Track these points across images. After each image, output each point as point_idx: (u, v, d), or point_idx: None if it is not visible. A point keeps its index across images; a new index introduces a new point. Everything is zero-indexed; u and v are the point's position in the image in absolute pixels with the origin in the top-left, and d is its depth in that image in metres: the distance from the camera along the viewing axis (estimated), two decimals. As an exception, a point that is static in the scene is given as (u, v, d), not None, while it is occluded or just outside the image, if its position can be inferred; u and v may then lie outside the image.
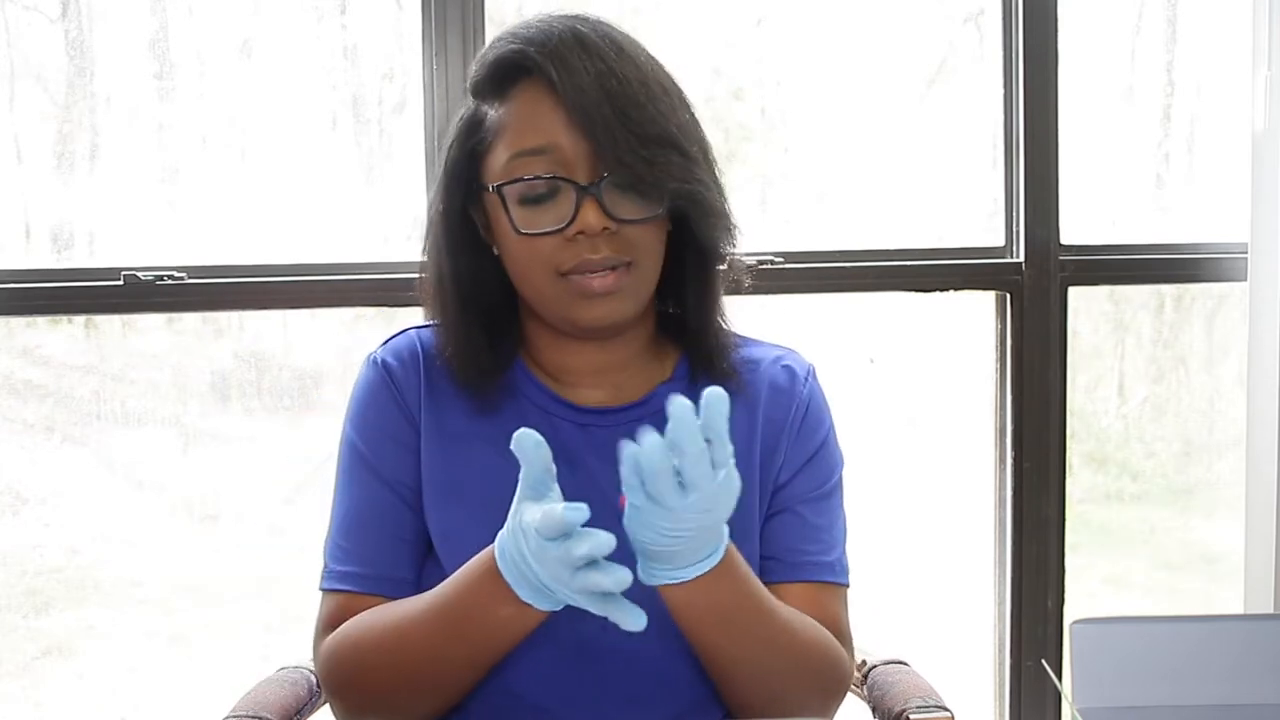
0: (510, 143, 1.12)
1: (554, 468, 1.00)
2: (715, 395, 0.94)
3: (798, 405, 1.23)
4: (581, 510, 0.93)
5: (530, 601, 1.01)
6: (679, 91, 1.17)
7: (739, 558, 1.09)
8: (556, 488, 1.00)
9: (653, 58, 1.16)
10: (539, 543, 0.96)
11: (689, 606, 1.06)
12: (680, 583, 1.02)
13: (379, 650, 1.12)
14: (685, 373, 1.23)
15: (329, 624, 1.18)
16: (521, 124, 1.12)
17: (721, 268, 1.22)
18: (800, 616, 1.17)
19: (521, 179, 1.11)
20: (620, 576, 0.95)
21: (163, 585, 2.07)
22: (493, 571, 1.02)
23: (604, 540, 0.94)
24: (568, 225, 1.10)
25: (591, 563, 0.96)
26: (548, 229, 1.10)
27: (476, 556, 1.06)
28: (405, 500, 1.18)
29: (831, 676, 1.18)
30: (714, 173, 1.17)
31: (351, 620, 1.15)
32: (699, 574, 1.02)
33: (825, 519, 1.23)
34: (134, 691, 2.06)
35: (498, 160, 1.13)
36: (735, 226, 1.19)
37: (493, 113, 1.15)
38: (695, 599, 1.05)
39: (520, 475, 0.99)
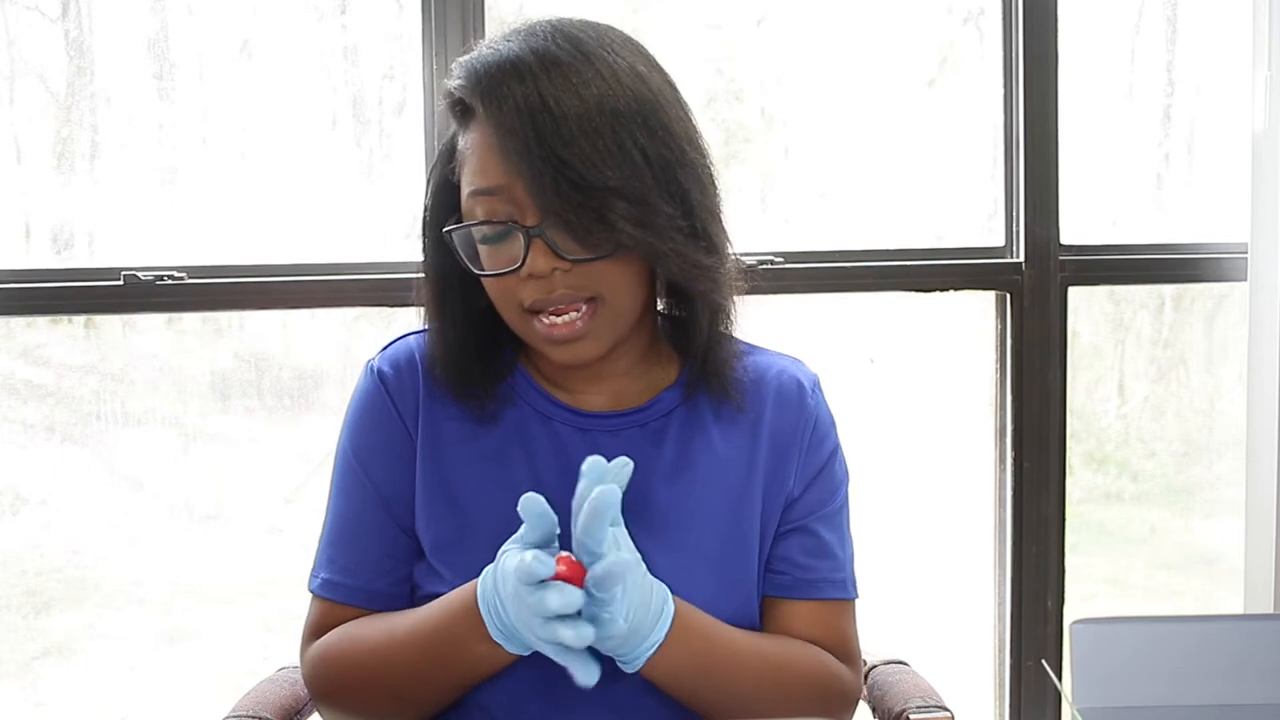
0: (468, 180, 1.11)
1: (557, 530, 1.04)
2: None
3: (807, 419, 1.23)
4: (548, 563, 0.98)
5: (500, 643, 1.04)
6: (640, 104, 1.08)
7: (693, 615, 1.10)
8: (554, 546, 1.04)
9: (609, 64, 1.08)
10: (516, 587, 1.00)
11: (652, 674, 1.09)
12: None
13: (360, 668, 1.15)
14: (686, 380, 1.22)
15: (314, 630, 1.20)
16: (475, 163, 1.10)
17: (723, 271, 1.17)
18: (788, 645, 1.18)
19: (470, 224, 1.10)
20: (583, 633, 0.99)
21: (163, 585, 2.06)
22: (472, 608, 1.05)
23: (573, 597, 0.98)
24: (519, 266, 1.08)
25: (561, 616, 0.99)
26: (503, 270, 1.09)
27: (459, 590, 1.09)
28: (393, 515, 1.19)
29: (833, 698, 1.19)
30: (677, 204, 1.09)
31: (337, 632, 1.17)
32: (653, 652, 1.06)
33: (836, 534, 1.24)
34: (134, 691, 2.06)
35: (463, 192, 1.12)
36: (705, 260, 1.12)
37: (461, 141, 1.14)
38: (658, 668, 1.08)
39: (522, 530, 1.03)
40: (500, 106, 1.05)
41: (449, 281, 1.18)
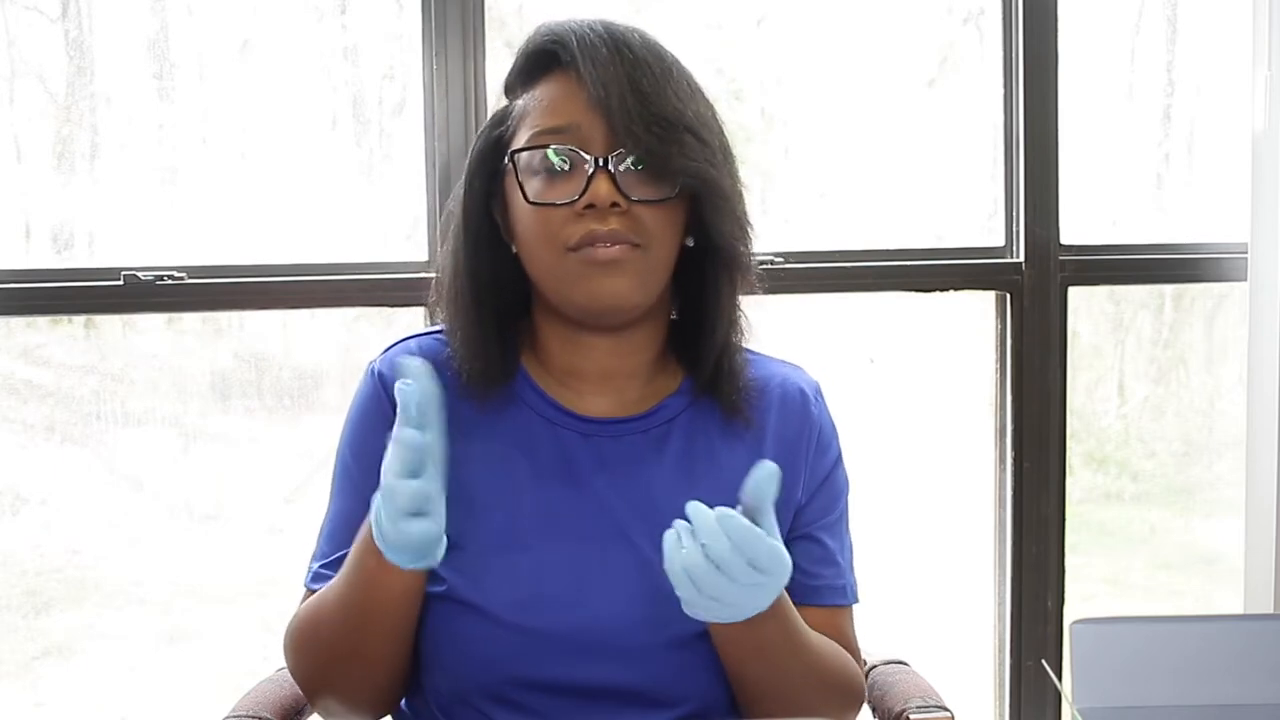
0: (532, 123, 1.14)
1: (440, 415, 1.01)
2: (767, 472, 1.02)
3: (811, 427, 1.24)
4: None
5: (391, 560, 1.03)
6: (704, 94, 1.18)
7: (785, 599, 1.11)
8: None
9: (680, 61, 1.18)
10: (390, 481, 0.99)
11: (732, 643, 1.10)
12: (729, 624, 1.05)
13: (306, 633, 1.16)
14: (690, 388, 1.22)
15: None
16: (545, 106, 1.14)
17: (739, 282, 1.20)
18: (825, 642, 1.19)
19: (539, 145, 1.12)
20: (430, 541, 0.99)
21: (163, 585, 2.06)
22: (370, 542, 1.05)
23: (416, 492, 0.97)
24: (579, 198, 1.10)
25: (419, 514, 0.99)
26: (559, 200, 1.11)
27: (362, 528, 1.09)
28: None
29: (851, 697, 1.21)
30: (732, 168, 1.18)
31: (296, 611, 1.20)
32: (746, 618, 1.05)
33: (838, 541, 1.25)
34: (134, 691, 2.06)
35: (519, 141, 1.15)
36: (749, 225, 1.19)
37: (519, 102, 1.17)
38: (740, 637, 1.08)
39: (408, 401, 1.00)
40: (595, 54, 1.11)
41: (478, 268, 1.18)
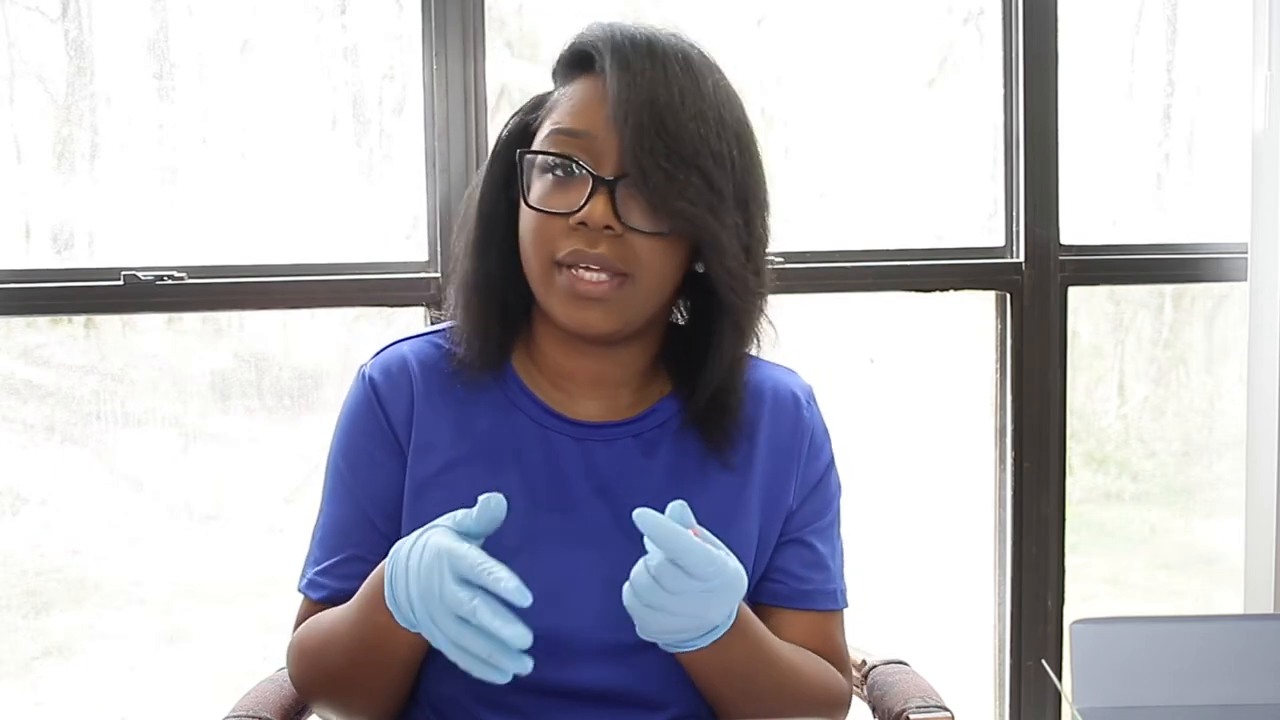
0: (555, 120, 1.13)
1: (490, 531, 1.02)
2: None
3: (804, 431, 1.23)
4: (527, 596, 0.95)
5: (401, 623, 1.03)
6: (740, 130, 1.13)
7: (749, 617, 1.11)
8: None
9: (726, 88, 1.14)
10: (439, 569, 0.97)
11: (694, 665, 1.10)
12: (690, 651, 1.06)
13: (310, 655, 1.17)
14: (683, 390, 1.21)
15: (296, 627, 1.23)
16: (570, 106, 1.12)
17: (744, 328, 1.17)
18: (803, 655, 1.19)
19: (547, 152, 1.11)
20: (521, 666, 0.97)
21: (163, 585, 2.06)
22: (382, 595, 1.04)
23: (522, 636, 0.95)
24: (575, 211, 1.09)
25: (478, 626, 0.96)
26: (556, 209, 1.10)
27: (372, 576, 1.08)
28: (374, 522, 1.19)
29: (833, 708, 1.21)
30: (746, 217, 1.13)
31: (307, 623, 1.20)
32: (707, 644, 1.05)
33: (829, 546, 1.24)
34: (134, 691, 2.06)
35: (540, 134, 1.14)
36: (757, 276, 1.14)
37: (555, 93, 1.17)
38: (705, 660, 1.08)
39: (469, 517, 1.01)
40: (628, 64, 1.09)
41: (490, 260, 1.18)
